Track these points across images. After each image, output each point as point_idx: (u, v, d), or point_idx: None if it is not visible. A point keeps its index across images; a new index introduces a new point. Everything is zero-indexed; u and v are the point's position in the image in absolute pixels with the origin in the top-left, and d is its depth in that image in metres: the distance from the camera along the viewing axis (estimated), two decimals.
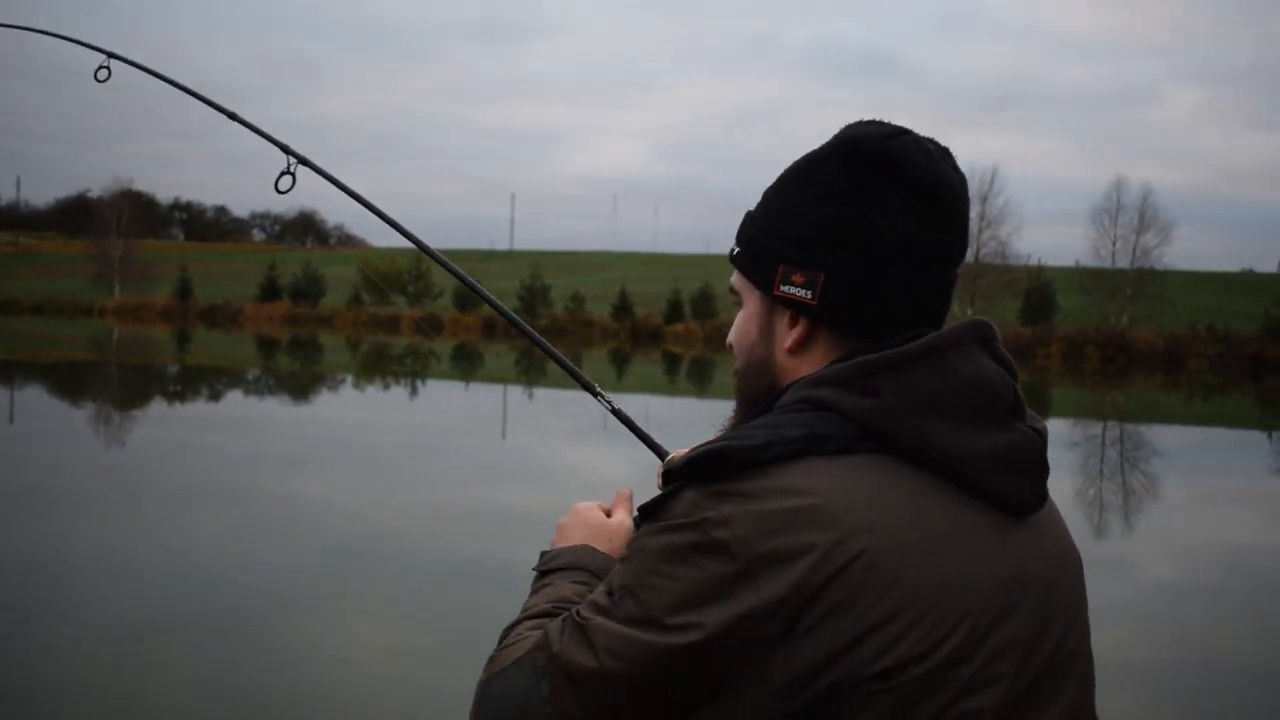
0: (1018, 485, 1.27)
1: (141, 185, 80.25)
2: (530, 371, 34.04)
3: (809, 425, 1.21)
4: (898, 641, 1.13)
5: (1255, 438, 25.37)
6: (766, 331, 1.37)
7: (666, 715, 1.19)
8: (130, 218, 74.00)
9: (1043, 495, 1.32)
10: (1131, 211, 62.65)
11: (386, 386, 29.19)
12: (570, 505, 1.65)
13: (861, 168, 1.29)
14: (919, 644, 1.14)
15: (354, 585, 8.19)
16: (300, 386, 28.50)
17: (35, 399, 22.96)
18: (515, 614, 1.41)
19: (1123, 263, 62.15)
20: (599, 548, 1.53)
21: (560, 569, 1.49)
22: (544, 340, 2.19)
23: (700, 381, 33.17)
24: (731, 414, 1.46)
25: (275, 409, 22.86)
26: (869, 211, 1.28)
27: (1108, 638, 7.43)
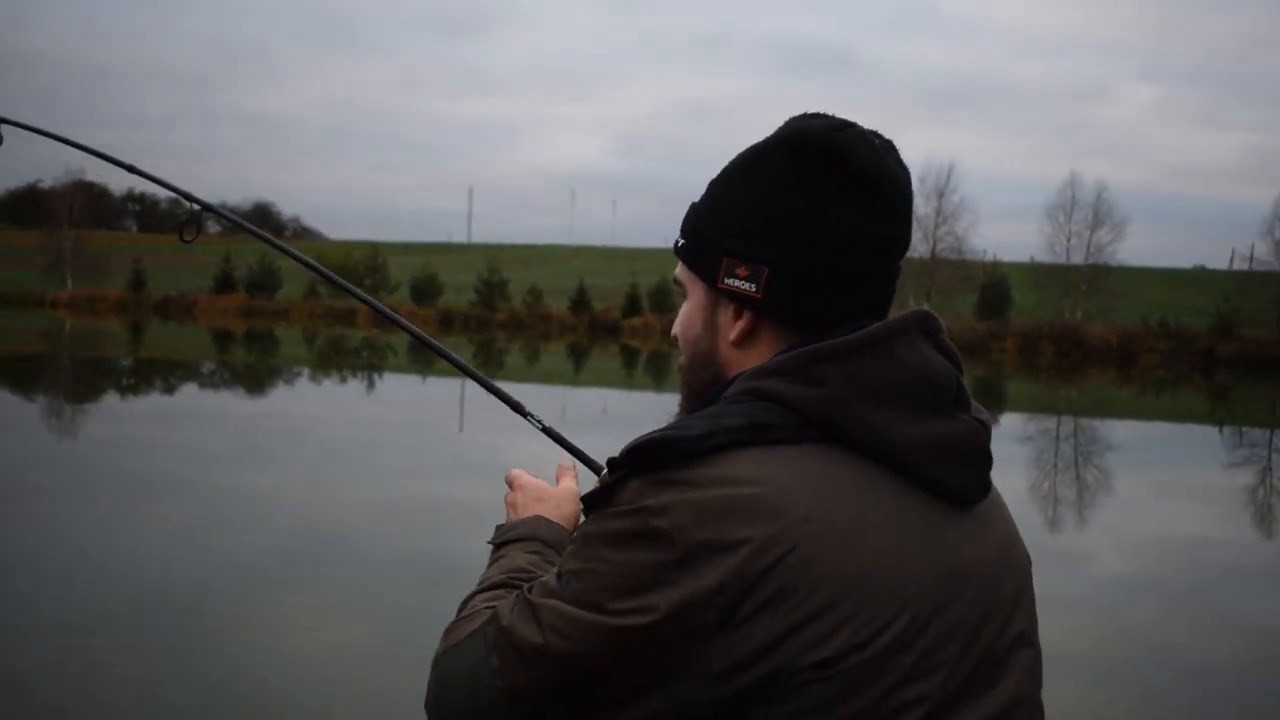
0: (961, 475, 1.27)
1: (94, 176, 79.02)
2: (488, 365, 33.93)
3: (750, 415, 1.21)
4: (836, 631, 1.14)
5: (1206, 432, 25.68)
6: (711, 324, 1.38)
7: (610, 697, 1.20)
8: (82, 209, 73.27)
9: (986, 485, 1.33)
10: (1085, 208, 63.40)
11: (343, 380, 29.04)
12: (511, 477, 1.72)
13: (806, 160, 1.29)
14: (858, 633, 1.15)
15: (306, 579, 8.14)
16: (255, 380, 28.27)
17: None
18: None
19: (1077, 258, 62.85)
20: (550, 517, 1.61)
21: (514, 540, 1.56)
22: (457, 357, 2.15)
23: (658, 375, 33.17)
24: (678, 406, 1.46)
25: (230, 402, 22.67)
26: (813, 204, 1.28)
27: (1059, 629, 7.51)
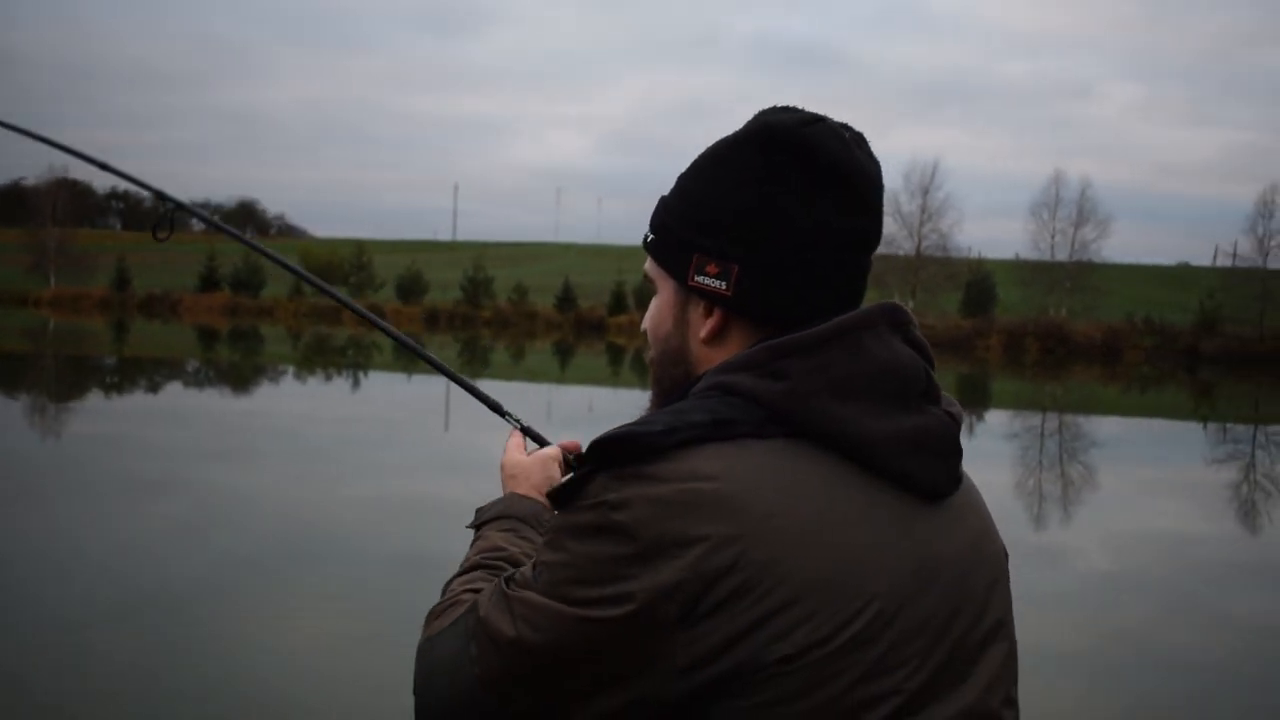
0: (930, 468, 1.27)
1: (77, 174, 78.75)
2: (474, 364, 33.87)
3: (713, 410, 1.21)
4: (797, 627, 1.14)
5: (1190, 429, 25.76)
6: (681, 321, 1.38)
7: (579, 688, 1.21)
8: (66, 206, 72.95)
9: (957, 478, 1.32)
10: (1070, 205, 63.60)
11: (328, 378, 28.96)
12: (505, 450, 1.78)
13: (776, 155, 1.29)
14: (819, 629, 1.15)
15: (292, 578, 8.12)
16: (240, 378, 28.18)
17: None
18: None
19: (1061, 256, 63.04)
20: (521, 490, 1.67)
21: (489, 520, 1.61)
22: (434, 356, 2.15)
23: (644, 373, 32.85)
24: (648, 402, 1.47)
25: (215, 401, 22.59)
26: (783, 200, 1.28)
27: (1045, 626, 7.54)
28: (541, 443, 1.86)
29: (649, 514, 1.16)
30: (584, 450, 1.25)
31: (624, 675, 1.18)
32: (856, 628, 1.16)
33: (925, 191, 62.08)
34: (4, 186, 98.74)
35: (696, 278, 1.32)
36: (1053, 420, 25.35)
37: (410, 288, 66.87)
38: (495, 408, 2.00)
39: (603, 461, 1.21)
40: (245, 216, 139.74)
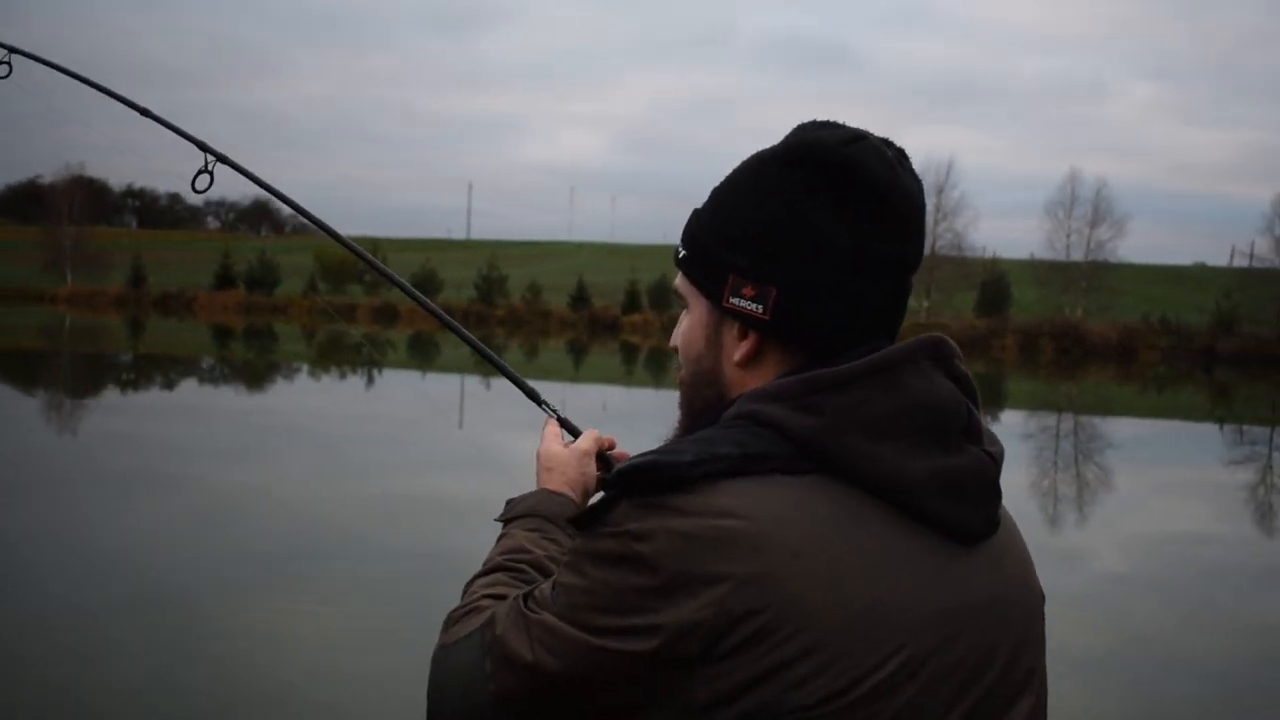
0: (964, 511, 1.22)
1: (94, 170, 79.08)
2: (487, 362, 33.82)
3: (742, 443, 1.18)
4: (817, 675, 1.11)
5: (1207, 430, 25.66)
6: (714, 342, 1.33)
7: (595, 714, 1.20)
8: (82, 204, 73.23)
9: (994, 522, 1.27)
10: (1085, 205, 63.43)
11: (342, 376, 29.00)
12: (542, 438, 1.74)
13: (817, 175, 1.24)
14: (837, 679, 1.11)
15: (304, 575, 8.13)
16: (254, 376, 28.27)
17: None
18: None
19: (1077, 255, 62.89)
20: (553, 487, 1.63)
21: (517, 517, 1.57)
22: (495, 356, 2.11)
23: (658, 372, 33.16)
24: (677, 424, 1.42)
25: (229, 398, 22.65)
26: (824, 222, 1.23)
27: (1060, 629, 7.50)
28: (575, 434, 1.81)
29: (672, 548, 1.13)
30: (611, 473, 1.22)
31: (639, 708, 1.17)
32: (879, 678, 1.12)
33: (939, 191, 61.97)
34: (20, 184, 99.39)
35: (732, 299, 1.28)
36: (1068, 421, 25.28)
37: (424, 286, 66.79)
38: (533, 396, 1.96)
39: (628, 488, 1.17)
40: (261, 215, 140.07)
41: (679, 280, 1.37)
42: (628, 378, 32.43)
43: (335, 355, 33.19)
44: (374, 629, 6.99)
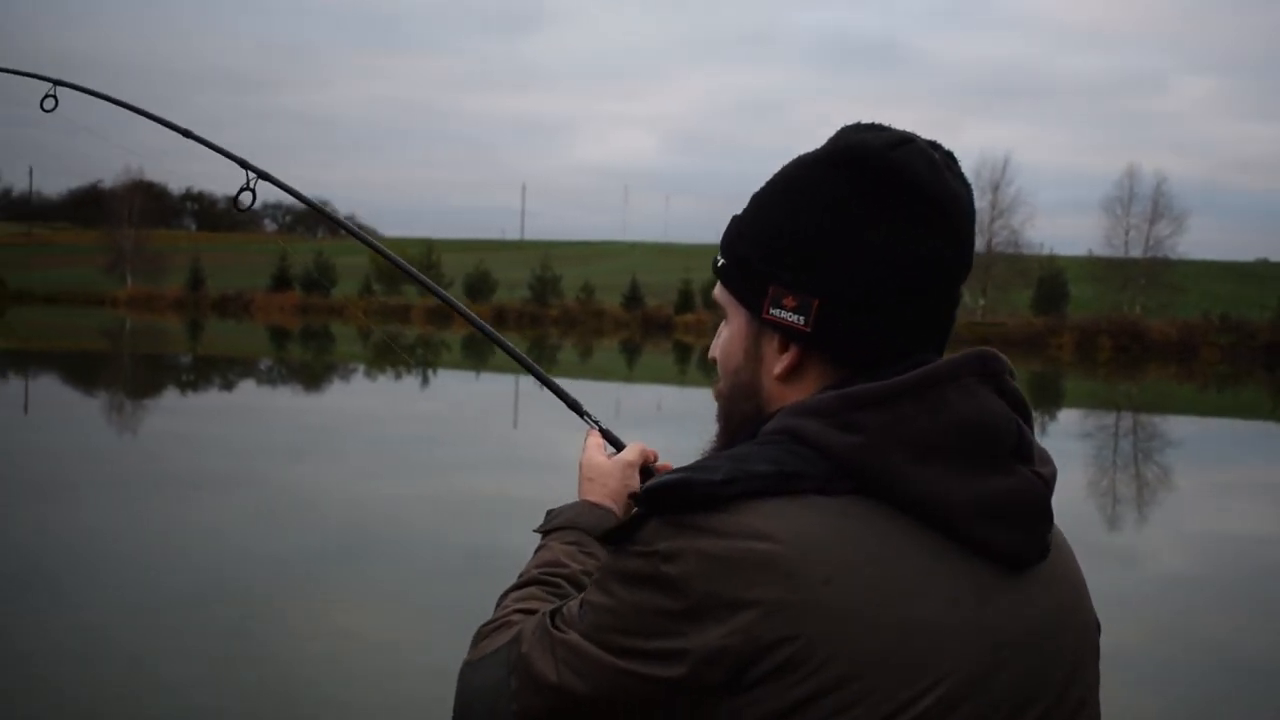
0: (1012, 535, 1.16)
1: (152, 173, 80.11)
2: (541, 362, 33.91)
3: (779, 461, 1.13)
4: (851, 707, 1.06)
5: (1269, 429, 25.29)
6: (754, 354, 1.28)
7: None
8: (142, 208, 74.34)
9: (1044, 547, 1.20)
10: (1144, 200, 62.72)
11: (397, 376, 29.21)
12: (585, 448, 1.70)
13: (862, 181, 1.19)
14: (875, 710, 1.07)
15: (360, 573, 8.20)
16: (311, 376, 28.55)
17: (49, 389, 23.05)
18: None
19: (1135, 252, 62.13)
20: (595, 499, 1.58)
21: (556, 529, 1.54)
22: (539, 368, 2.08)
23: (711, 372, 32.94)
24: (714, 436, 1.37)
25: (286, 398, 22.89)
26: (868, 228, 1.18)
27: (1118, 631, 7.42)
28: (618, 446, 1.75)
29: (700, 570, 1.09)
30: (641, 490, 1.18)
31: None
32: (917, 711, 1.08)
33: (995, 188, 61.56)
34: (83, 189, 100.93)
35: (772, 310, 1.22)
36: (1126, 420, 24.99)
37: (478, 286, 67.38)
38: (575, 407, 1.90)
39: (658, 506, 1.13)
40: (317, 218, 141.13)
41: (718, 290, 1.33)
42: (681, 378, 32.40)
43: (390, 357, 33.42)
44: (432, 628, 7.03)
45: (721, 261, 1.31)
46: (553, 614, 1.23)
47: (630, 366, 37.10)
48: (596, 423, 1.80)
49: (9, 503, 10.15)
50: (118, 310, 63.37)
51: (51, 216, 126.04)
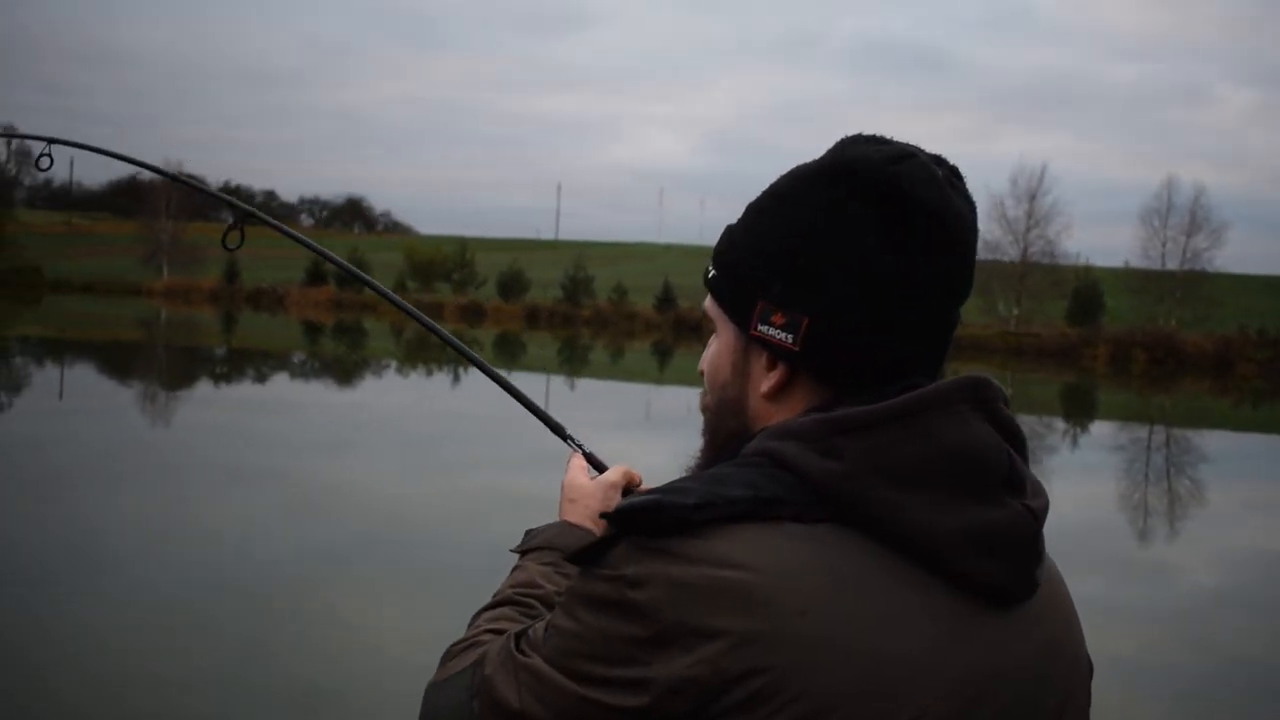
0: (998, 569, 1.10)
1: (191, 168, 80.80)
2: (572, 361, 34.06)
3: (755, 486, 1.08)
4: None
5: None
6: (741, 371, 1.24)
7: None
8: (179, 200, 74.80)
9: (1032, 582, 1.14)
10: (1182, 212, 62.14)
11: (429, 373, 29.30)
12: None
13: (858, 196, 1.14)
14: None
15: (387, 568, 8.25)
16: (344, 371, 28.70)
17: (84, 377, 23.30)
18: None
19: (1172, 264, 61.60)
20: (574, 520, 1.54)
21: (534, 549, 1.51)
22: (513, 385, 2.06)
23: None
24: (698, 453, 1.33)
25: (318, 393, 23.01)
26: (864, 247, 1.13)
27: (1147, 643, 7.38)
28: (600, 469, 1.70)
29: (668, 597, 1.04)
30: (612, 510, 1.12)
31: None
32: None
33: (1032, 197, 61.19)
34: (121, 181, 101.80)
35: (760, 327, 1.18)
36: (1160, 433, 24.80)
37: (511, 285, 67.55)
38: (558, 430, 1.84)
39: (628, 528, 1.09)
40: (353, 213, 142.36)
41: (707, 302, 1.28)
42: None
43: (423, 352, 33.51)
44: (451, 623, 7.04)
45: (712, 273, 1.27)
46: (518, 636, 1.19)
47: (661, 369, 37.08)
48: (580, 446, 1.76)
49: (31, 490, 10.24)
50: (153, 301, 63.89)
51: (91, 207, 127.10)
